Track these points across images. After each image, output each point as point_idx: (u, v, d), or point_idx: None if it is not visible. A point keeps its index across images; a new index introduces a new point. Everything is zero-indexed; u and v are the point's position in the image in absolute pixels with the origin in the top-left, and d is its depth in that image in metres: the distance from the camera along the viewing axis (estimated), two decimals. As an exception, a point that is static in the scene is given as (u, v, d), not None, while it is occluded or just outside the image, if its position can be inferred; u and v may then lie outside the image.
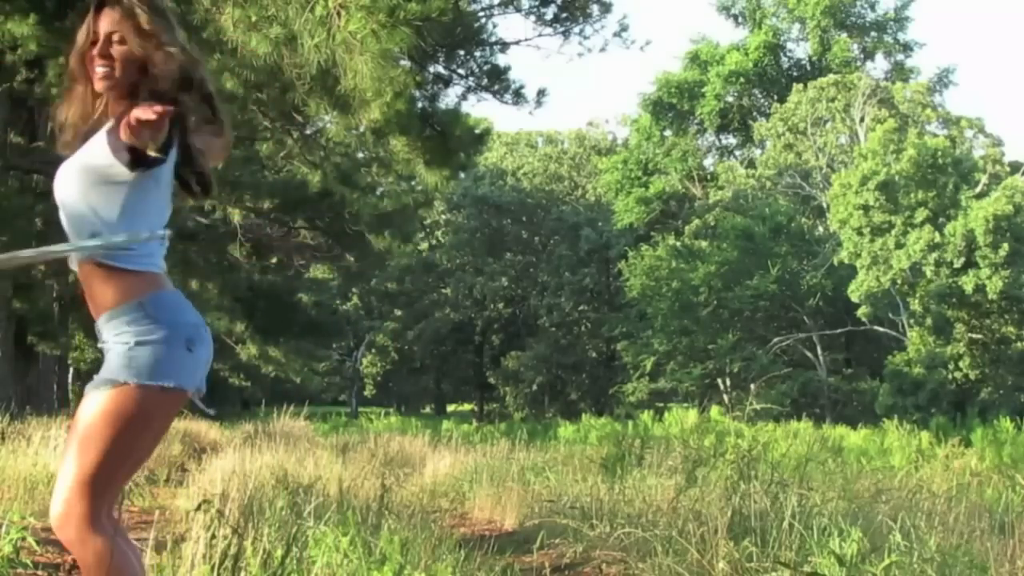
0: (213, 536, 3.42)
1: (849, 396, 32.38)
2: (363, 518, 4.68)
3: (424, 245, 43.97)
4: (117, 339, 2.46)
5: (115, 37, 2.50)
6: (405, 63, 9.72)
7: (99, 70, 2.50)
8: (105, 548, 2.40)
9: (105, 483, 2.46)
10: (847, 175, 30.08)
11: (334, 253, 22.34)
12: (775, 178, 36.41)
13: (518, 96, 15.31)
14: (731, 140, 44.89)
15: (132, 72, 2.50)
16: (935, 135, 32.34)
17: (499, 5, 17.13)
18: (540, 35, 17.24)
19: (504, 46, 16.29)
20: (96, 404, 2.47)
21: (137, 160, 2.40)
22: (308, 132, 16.62)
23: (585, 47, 20.60)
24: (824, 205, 33.94)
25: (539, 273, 44.85)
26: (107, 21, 2.51)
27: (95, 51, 2.51)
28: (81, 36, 2.54)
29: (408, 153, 12.31)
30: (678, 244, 36.02)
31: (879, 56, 42.05)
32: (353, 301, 45.90)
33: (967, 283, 27.71)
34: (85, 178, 2.46)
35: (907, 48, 41.82)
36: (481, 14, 16.55)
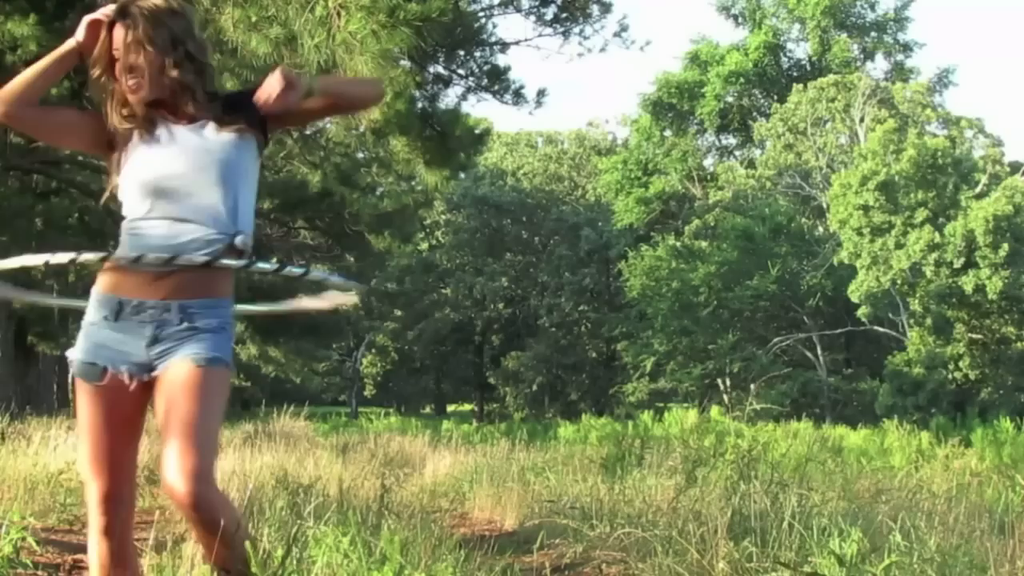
0: (213, 536, 3.41)
1: (849, 396, 32.36)
2: (363, 518, 4.68)
3: (424, 245, 43.95)
4: (219, 323, 2.57)
5: (131, 49, 2.55)
6: (405, 63, 9.72)
7: (129, 83, 2.56)
8: (238, 515, 2.47)
9: None
10: (847, 175, 30.08)
11: (334, 253, 22.34)
12: (775, 178, 36.40)
13: (518, 96, 15.32)
14: (731, 140, 44.91)
15: (160, 76, 2.56)
16: (935, 135, 32.33)
17: (499, 5, 17.13)
18: (540, 35, 17.25)
19: (504, 46, 16.30)
20: (217, 378, 2.54)
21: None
22: (308, 132, 16.63)
23: (585, 47, 20.68)
24: (824, 205, 33.94)
25: (539, 273, 44.85)
26: (119, 36, 2.56)
27: (119, 65, 2.56)
28: (99, 51, 2.58)
29: (408, 153, 12.33)
30: (678, 244, 36.02)
31: (879, 56, 42.07)
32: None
33: (967, 283, 27.72)
34: (223, 168, 2.55)
35: (907, 48, 41.83)
36: (481, 14, 16.55)
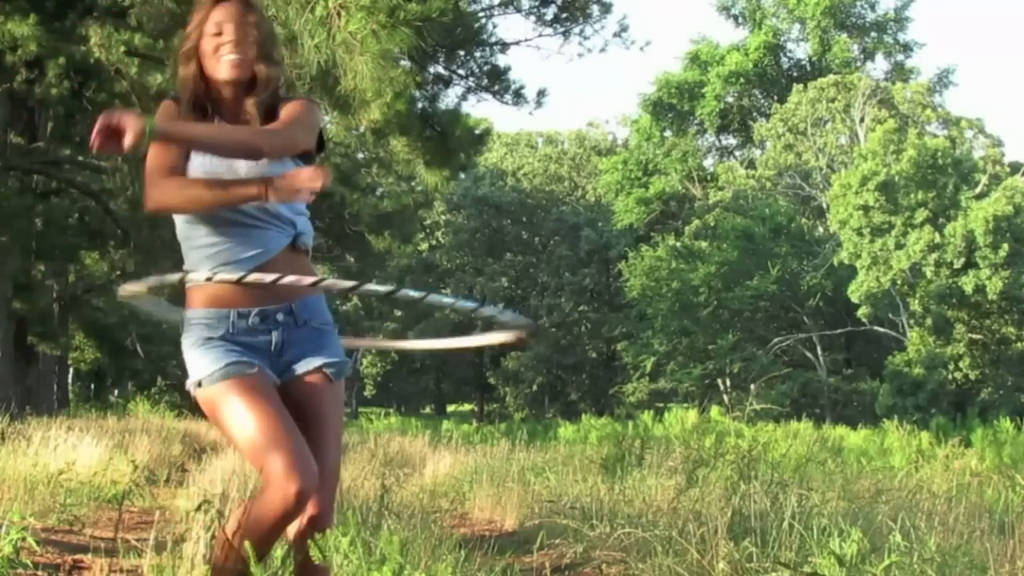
0: (213, 536, 3.41)
1: (849, 396, 32.38)
2: (363, 518, 4.67)
3: (424, 245, 43.96)
4: (330, 319, 2.56)
5: (244, 24, 2.49)
6: (405, 63, 9.72)
7: (233, 57, 2.47)
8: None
9: None
10: (847, 175, 30.08)
11: (334, 253, 22.36)
12: (775, 178, 36.42)
13: (518, 96, 15.32)
14: (731, 140, 44.93)
15: (254, 63, 2.50)
16: (935, 135, 32.34)
17: (499, 5, 17.14)
18: (540, 35, 17.26)
19: (504, 46, 16.30)
20: (343, 389, 2.55)
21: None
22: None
23: (585, 47, 20.68)
24: (824, 205, 33.95)
25: (539, 274, 44.85)
26: (229, 11, 2.49)
27: (224, 39, 2.47)
28: (202, 28, 2.49)
29: (408, 153, 12.33)
30: (678, 244, 36.04)
31: (879, 56, 42.11)
32: (353, 301, 45.88)
33: (967, 283, 27.72)
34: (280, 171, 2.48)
35: (907, 48, 41.85)
36: (481, 14, 16.56)
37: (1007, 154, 34.34)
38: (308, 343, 2.47)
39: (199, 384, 2.39)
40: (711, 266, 32.65)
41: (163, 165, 2.39)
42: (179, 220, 2.50)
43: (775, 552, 4.08)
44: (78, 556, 4.65)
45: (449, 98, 16.47)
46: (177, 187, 2.37)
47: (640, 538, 4.70)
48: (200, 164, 2.43)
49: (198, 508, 3.57)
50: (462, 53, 15.15)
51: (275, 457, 2.26)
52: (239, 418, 2.32)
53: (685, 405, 27.63)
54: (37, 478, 6.32)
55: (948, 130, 34.46)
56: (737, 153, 44.61)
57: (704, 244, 35.79)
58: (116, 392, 35.05)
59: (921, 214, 28.42)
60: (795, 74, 41.33)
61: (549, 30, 17.26)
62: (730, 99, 41.68)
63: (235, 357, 2.37)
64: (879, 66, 42.16)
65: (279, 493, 2.25)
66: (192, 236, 2.46)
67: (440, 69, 15.01)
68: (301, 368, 2.46)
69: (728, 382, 33.20)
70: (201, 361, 2.39)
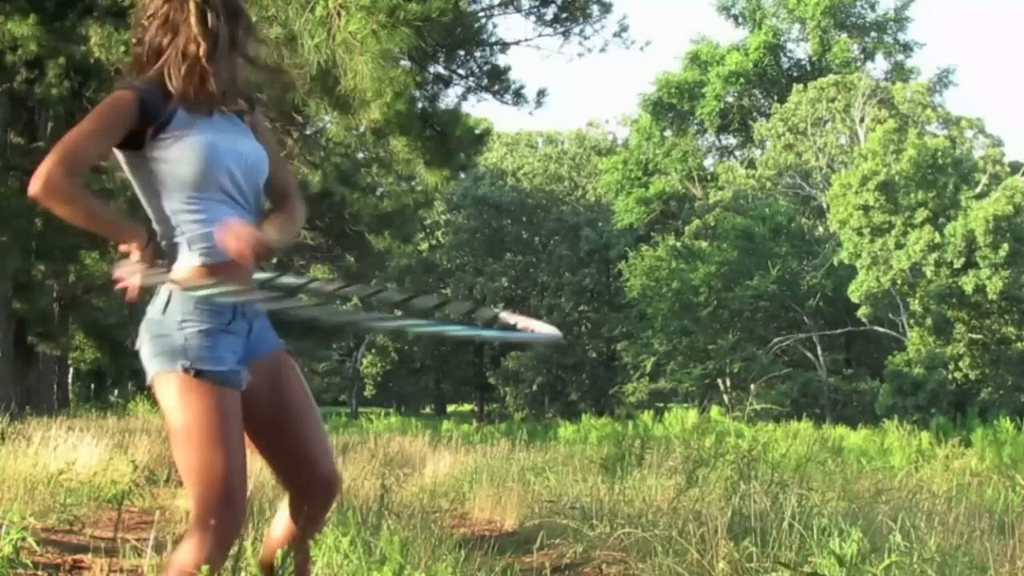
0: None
1: (849, 396, 32.38)
2: (363, 518, 4.67)
3: (424, 245, 43.95)
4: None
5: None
6: (405, 63, 9.72)
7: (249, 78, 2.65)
8: None
9: None
10: (847, 175, 30.09)
11: (334, 253, 22.35)
12: (775, 178, 36.42)
13: (518, 96, 15.30)
14: (731, 140, 44.94)
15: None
16: (935, 135, 32.35)
17: (499, 5, 17.11)
18: (540, 35, 17.22)
19: (504, 46, 16.27)
20: None
21: None
22: (308, 132, 16.63)
23: (585, 47, 20.68)
24: (824, 205, 33.96)
25: (539, 273, 44.86)
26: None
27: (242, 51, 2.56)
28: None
29: (408, 153, 12.31)
30: (678, 244, 36.04)
31: (879, 56, 42.12)
32: (353, 301, 45.80)
33: (967, 283, 27.73)
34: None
35: (907, 48, 41.87)
36: (481, 14, 16.53)
37: (1007, 154, 34.36)
38: (262, 325, 2.55)
39: (195, 373, 2.32)
40: (711, 266, 32.66)
41: (85, 154, 2.42)
42: (173, 194, 2.41)
43: (775, 552, 4.08)
44: (78, 556, 4.65)
45: (449, 98, 16.45)
46: (73, 195, 2.36)
47: (640, 538, 4.70)
48: (198, 147, 2.39)
49: (198, 508, 3.56)
50: (462, 53, 15.13)
51: (224, 486, 2.32)
52: (211, 430, 2.31)
53: (685, 405, 27.63)
54: (37, 478, 6.32)
55: (948, 130, 34.47)
56: (737, 153, 44.64)
57: (704, 244, 35.80)
58: (116, 392, 35.07)
59: (921, 214, 28.43)
60: (795, 74, 41.35)
61: (549, 30, 17.23)
62: (730, 99, 41.70)
63: (237, 366, 2.40)
64: (879, 66, 42.24)
65: (217, 521, 2.31)
66: (180, 210, 2.40)
67: (440, 69, 14.99)
68: (263, 348, 2.53)
69: (728, 382, 33.20)
70: (207, 354, 2.34)
